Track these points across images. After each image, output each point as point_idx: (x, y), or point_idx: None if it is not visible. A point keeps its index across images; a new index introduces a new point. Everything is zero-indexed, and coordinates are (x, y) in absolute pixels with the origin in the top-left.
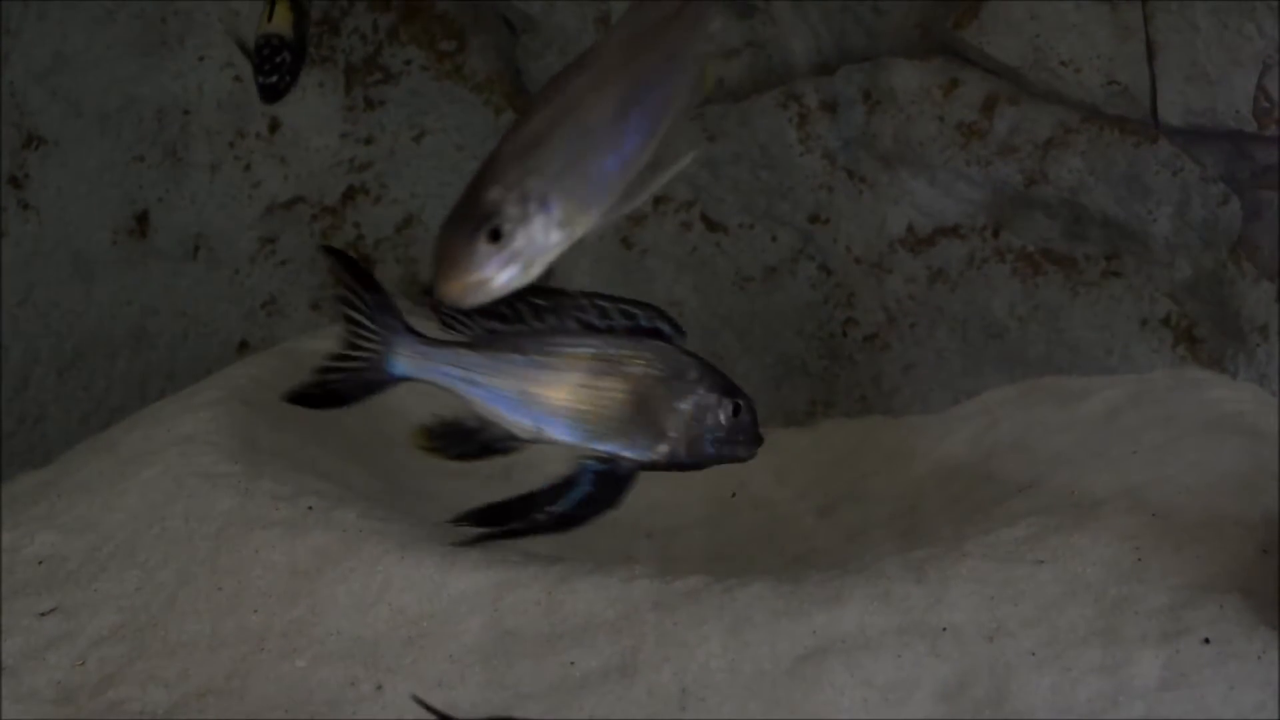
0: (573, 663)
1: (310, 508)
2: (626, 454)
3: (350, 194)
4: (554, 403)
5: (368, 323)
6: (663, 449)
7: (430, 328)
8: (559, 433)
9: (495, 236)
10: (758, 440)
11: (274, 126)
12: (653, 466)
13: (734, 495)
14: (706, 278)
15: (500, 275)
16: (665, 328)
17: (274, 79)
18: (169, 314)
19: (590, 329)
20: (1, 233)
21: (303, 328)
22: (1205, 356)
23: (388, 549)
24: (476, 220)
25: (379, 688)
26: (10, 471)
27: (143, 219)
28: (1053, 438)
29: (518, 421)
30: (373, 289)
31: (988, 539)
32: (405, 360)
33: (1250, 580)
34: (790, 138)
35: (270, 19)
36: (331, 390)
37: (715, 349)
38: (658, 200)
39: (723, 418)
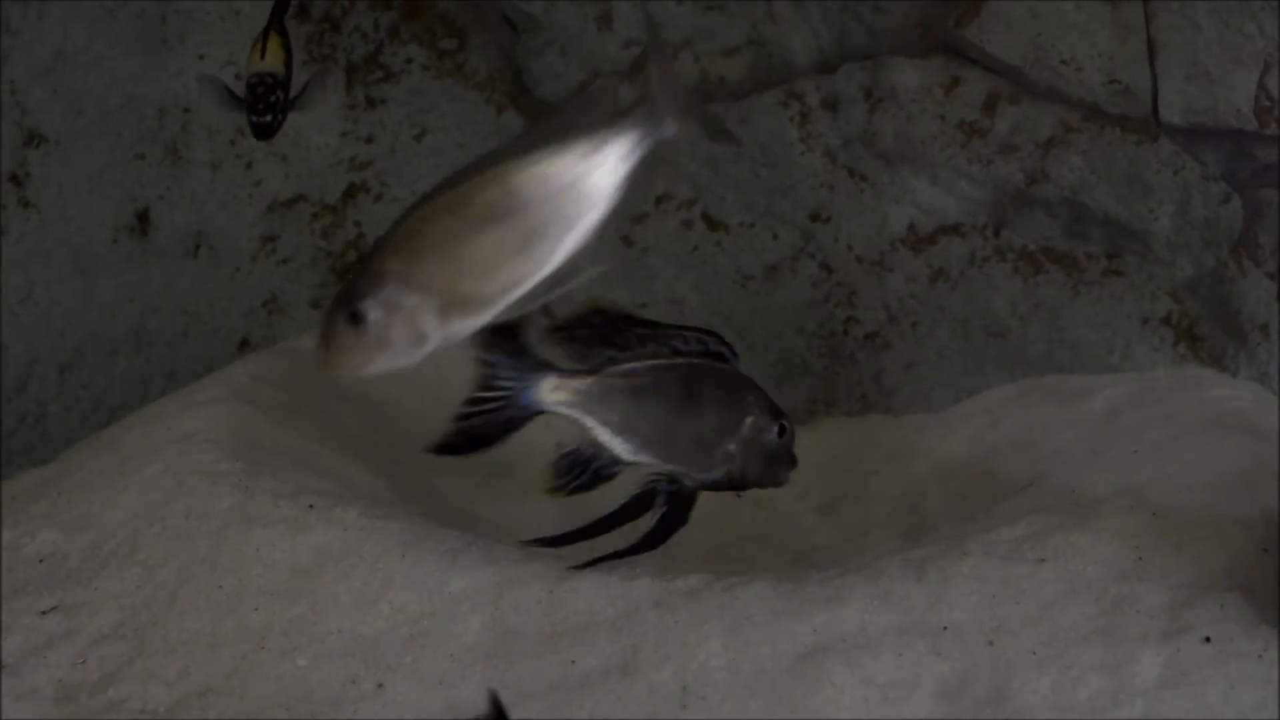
0: (573, 661)
1: (311, 506)
2: (695, 474)
3: (351, 192)
4: (649, 427)
5: (504, 361)
6: (723, 469)
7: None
8: (652, 454)
9: (357, 321)
10: (794, 463)
11: None
12: (714, 486)
13: (739, 494)
14: (707, 276)
15: (366, 358)
16: (726, 353)
17: (268, 118)
18: (170, 312)
19: (677, 354)
20: (2, 230)
21: (304, 326)
22: (1206, 355)
23: (388, 547)
24: (342, 303)
25: (380, 686)
26: (11, 469)
27: (143, 217)
28: (1054, 436)
29: (625, 445)
30: (509, 335)
31: (988, 538)
32: (538, 390)
33: (1251, 579)
34: (791, 136)
35: (263, 57)
36: (476, 434)
37: None
38: (659, 199)
39: (771, 440)
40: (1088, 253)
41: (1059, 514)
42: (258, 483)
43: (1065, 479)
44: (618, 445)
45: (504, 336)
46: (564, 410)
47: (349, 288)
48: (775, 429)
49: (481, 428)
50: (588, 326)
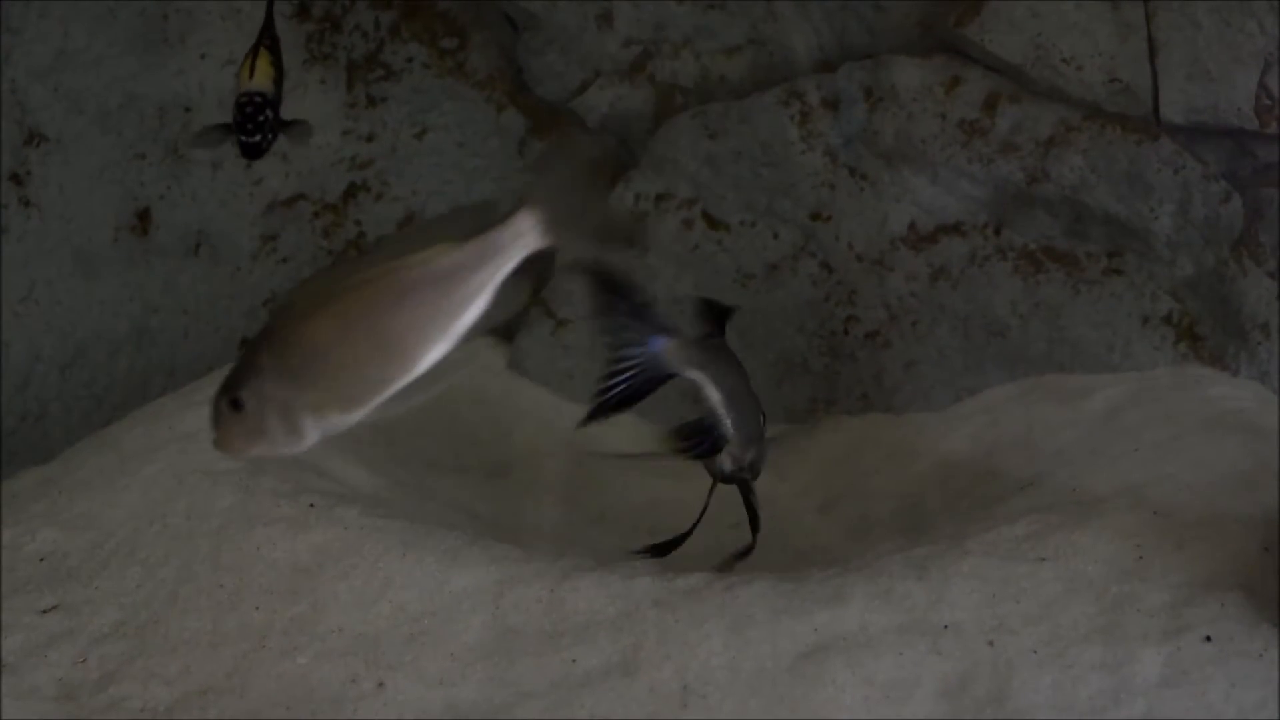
0: (574, 660)
1: (312, 505)
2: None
3: (352, 191)
4: (739, 404)
5: (633, 326)
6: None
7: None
8: (735, 433)
9: (237, 407)
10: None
11: None
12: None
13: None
14: (708, 275)
15: (246, 443)
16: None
17: (257, 138)
18: (170, 311)
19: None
20: (3, 230)
21: None
22: (1207, 354)
23: (389, 546)
24: (224, 389)
25: (380, 685)
26: (12, 468)
27: (144, 216)
28: (1054, 435)
29: (729, 419)
30: (630, 294)
31: (989, 537)
32: (674, 353)
33: (1252, 578)
34: (792, 135)
35: (251, 76)
36: (620, 400)
37: None
38: (659, 198)
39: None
40: (1088, 252)
41: (1060, 513)
42: (258, 482)
43: (1066, 478)
44: (726, 417)
45: (620, 296)
46: (694, 376)
47: (230, 375)
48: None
49: (624, 395)
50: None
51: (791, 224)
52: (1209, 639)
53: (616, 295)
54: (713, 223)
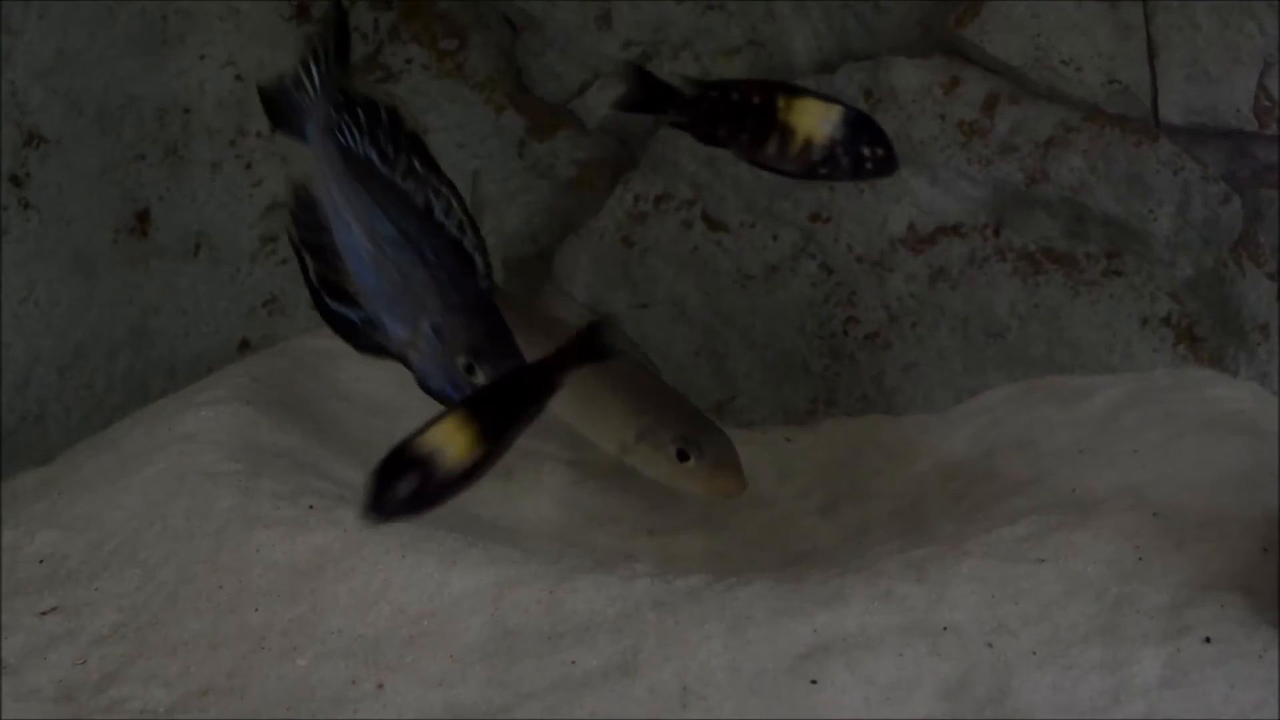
0: (574, 661)
1: (311, 506)
2: (387, 327)
3: None
4: (353, 242)
5: (316, 80)
6: (408, 348)
7: None
8: (354, 272)
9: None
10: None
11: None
12: (394, 357)
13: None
14: (708, 276)
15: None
16: (480, 261)
17: None
18: (170, 312)
19: (425, 213)
20: (2, 231)
21: (304, 327)
22: (1206, 355)
23: (389, 548)
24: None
25: (380, 686)
26: (11, 469)
27: (143, 217)
28: (1054, 436)
29: (336, 240)
30: (341, 60)
31: (989, 538)
32: (314, 128)
33: (1252, 579)
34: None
35: None
36: (268, 92)
37: (716, 347)
38: (659, 199)
39: (458, 364)
40: (1087, 253)
41: (1059, 514)
42: (258, 483)
43: (1065, 479)
44: (334, 235)
45: (336, 57)
46: (315, 165)
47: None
48: (462, 359)
49: (276, 97)
50: (374, 114)
51: (791, 225)
52: (1209, 640)
53: (337, 54)
54: (712, 224)
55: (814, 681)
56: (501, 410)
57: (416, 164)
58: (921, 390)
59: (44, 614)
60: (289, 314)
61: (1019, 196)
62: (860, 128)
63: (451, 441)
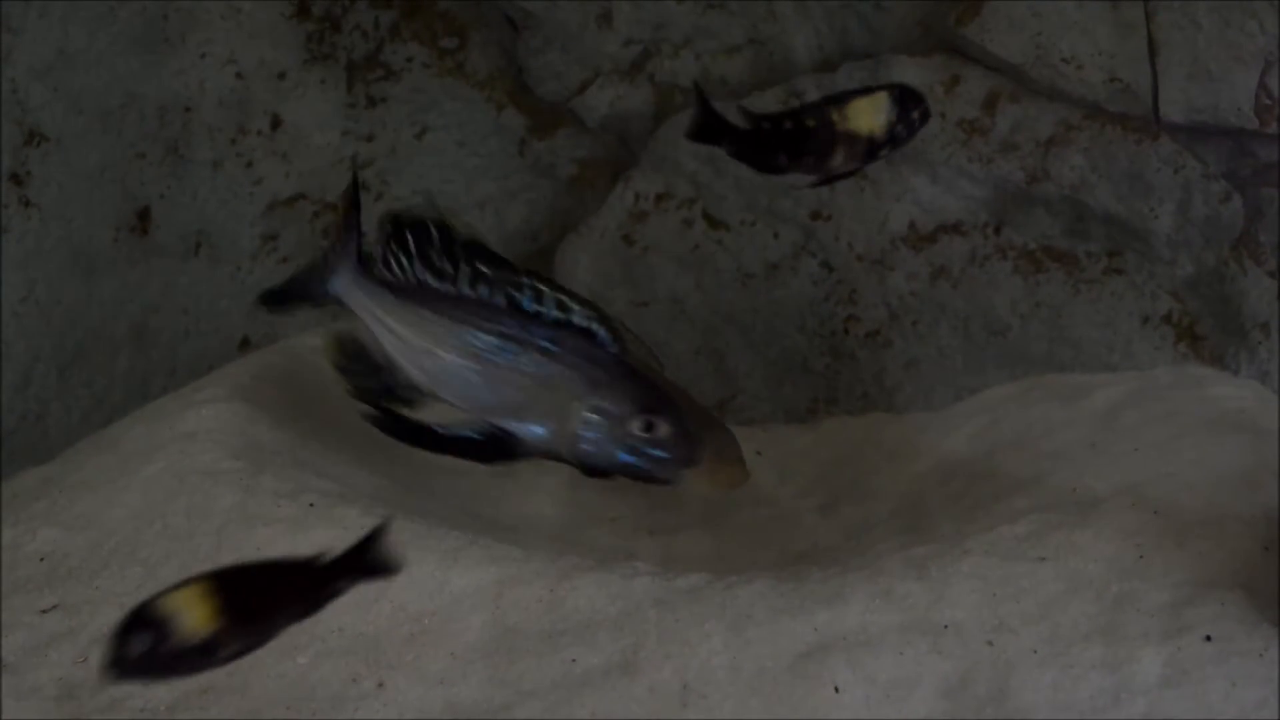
0: (574, 660)
1: (312, 505)
2: (518, 433)
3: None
4: (454, 368)
5: (331, 236)
6: (559, 442)
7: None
8: (448, 395)
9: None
10: (684, 463)
11: (276, 124)
12: (549, 456)
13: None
14: (708, 274)
15: None
16: (600, 331)
17: None
18: (170, 311)
19: (516, 310)
20: (3, 229)
21: (304, 325)
22: (1207, 354)
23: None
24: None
25: (381, 685)
26: (12, 468)
27: (144, 216)
28: (1054, 435)
29: (416, 375)
30: (352, 207)
31: (989, 536)
32: (340, 281)
33: (1252, 577)
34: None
35: None
36: (289, 293)
37: (717, 345)
38: (659, 197)
39: (635, 429)
40: (1088, 251)
41: (1060, 512)
42: (259, 481)
43: (1066, 477)
44: (408, 371)
45: (350, 207)
46: (354, 307)
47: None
48: (639, 423)
49: (288, 284)
50: (423, 235)
51: (792, 223)
52: (1209, 639)
53: (348, 203)
54: (713, 222)
55: (814, 680)
56: (253, 593)
57: (482, 268)
58: (922, 389)
59: (44, 612)
60: (289, 312)
61: (1020, 195)
62: (904, 99)
63: (190, 609)
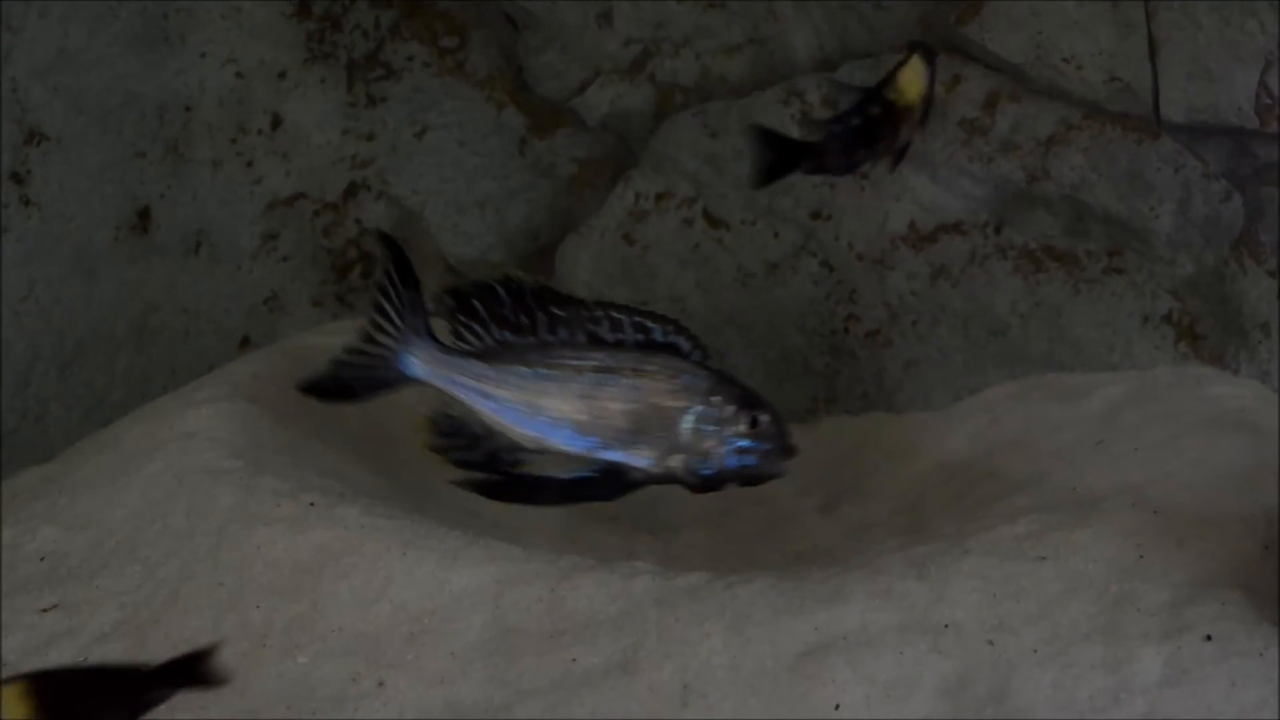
0: (574, 659)
1: (312, 504)
2: (632, 464)
3: (352, 190)
4: (557, 414)
5: (394, 317)
6: (672, 462)
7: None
8: (563, 442)
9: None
10: (787, 453)
11: (276, 123)
12: (665, 480)
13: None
14: (709, 274)
15: None
16: (682, 342)
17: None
18: (171, 310)
19: (599, 342)
20: (3, 229)
21: (304, 324)
22: (1207, 353)
23: (389, 546)
24: None
25: (381, 684)
26: (12, 467)
27: (144, 215)
28: (1054, 434)
29: (523, 432)
30: (409, 285)
31: (989, 536)
32: (419, 363)
33: (1252, 577)
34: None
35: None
36: (343, 383)
37: (717, 345)
38: (659, 196)
39: (740, 430)
40: (1088, 251)
41: (1060, 512)
42: (259, 481)
43: (1066, 477)
44: (514, 432)
45: (403, 285)
46: (442, 385)
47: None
48: (744, 422)
49: (353, 379)
50: (490, 297)
51: (792, 223)
52: (1209, 638)
53: (401, 282)
54: (713, 221)
55: (814, 679)
56: (71, 698)
57: (556, 310)
58: (922, 388)
59: (45, 611)
60: (290, 311)
61: (1020, 194)
62: (928, 54)
63: (10, 710)
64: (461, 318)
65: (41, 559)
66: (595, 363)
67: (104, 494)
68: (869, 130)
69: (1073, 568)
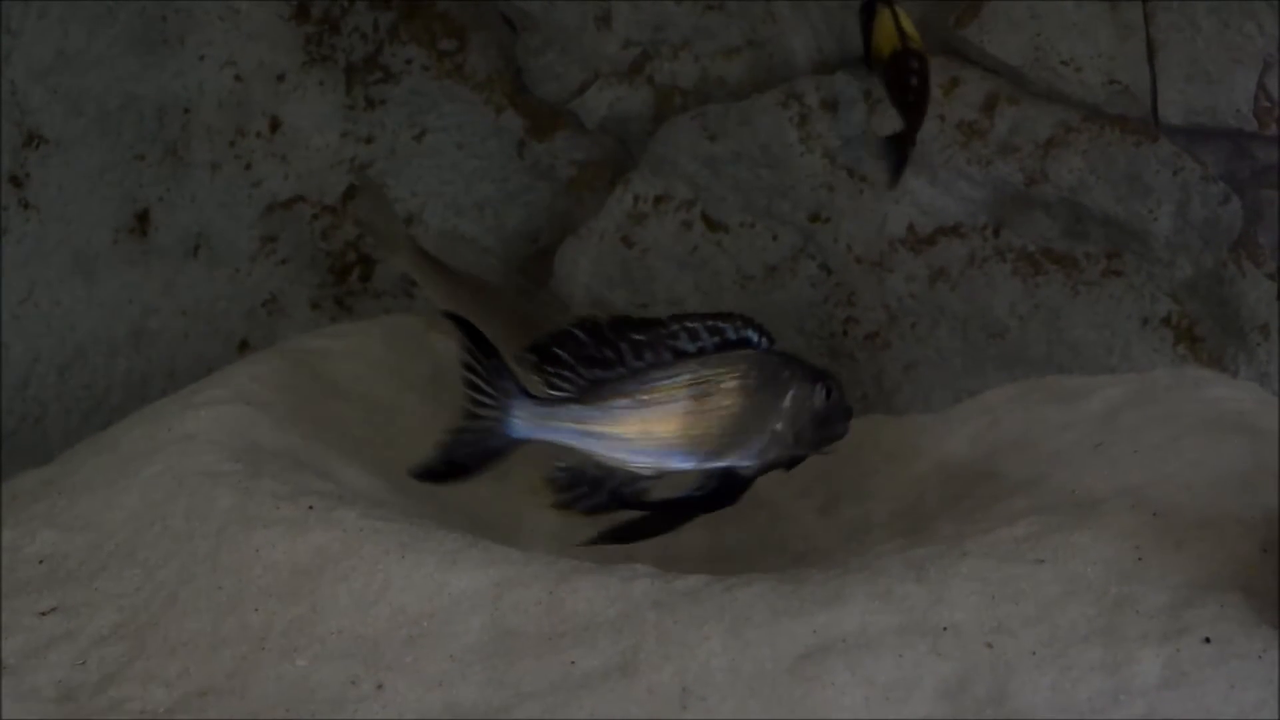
0: (573, 662)
1: (311, 507)
2: (744, 464)
3: (351, 193)
4: (669, 436)
5: (486, 388)
6: (775, 449)
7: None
8: (679, 462)
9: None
10: (849, 413)
11: (275, 126)
12: (769, 468)
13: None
14: (707, 277)
15: None
16: (752, 335)
17: None
18: (170, 313)
19: (683, 355)
20: (2, 231)
21: (303, 327)
22: (1206, 355)
23: (388, 548)
24: None
25: (380, 687)
26: (11, 470)
27: (143, 218)
28: (1053, 436)
29: (640, 462)
30: (489, 353)
31: (988, 538)
32: (522, 422)
33: (1251, 579)
34: (791, 137)
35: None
36: (456, 464)
37: None
38: (658, 199)
39: (819, 403)
40: (1087, 253)
41: (1059, 514)
42: (258, 483)
43: (1065, 479)
44: (631, 464)
45: (484, 354)
46: (550, 438)
47: None
48: (821, 393)
49: (466, 456)
50: (571, 341)
51: (791, 225)
52: (1208, 640)
53: (481, 353)
54: (712, 224)
55: (814, 681)
56: None
57: (637, 336)
58: (921, 390)
59: (44, 614)
60: (289, 314)
61: (1019, 197)
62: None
63: None
64: (549, 369)
65: (40, 561)
66: (688, 377)
67: (103, 496)
68: (905, 78)
69: (1072, 570)
